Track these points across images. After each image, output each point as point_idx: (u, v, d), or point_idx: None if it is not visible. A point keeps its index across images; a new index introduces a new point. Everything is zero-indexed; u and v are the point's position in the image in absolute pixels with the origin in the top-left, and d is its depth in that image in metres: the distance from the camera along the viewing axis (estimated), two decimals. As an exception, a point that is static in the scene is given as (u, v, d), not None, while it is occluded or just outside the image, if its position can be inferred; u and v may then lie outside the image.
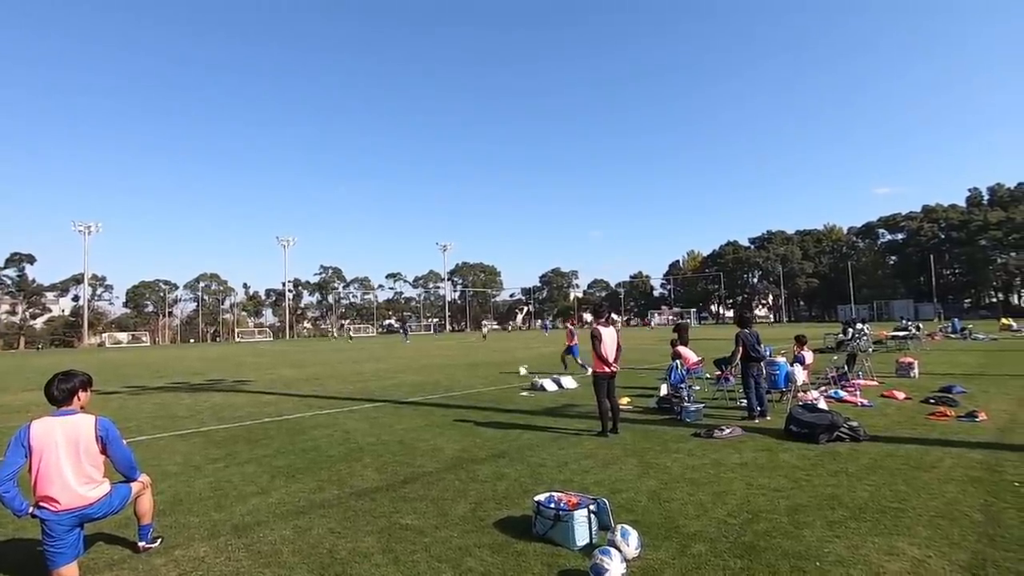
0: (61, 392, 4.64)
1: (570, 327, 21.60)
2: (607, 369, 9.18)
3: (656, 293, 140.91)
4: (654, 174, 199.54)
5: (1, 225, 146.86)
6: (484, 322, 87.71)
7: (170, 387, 19.52)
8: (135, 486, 5.04)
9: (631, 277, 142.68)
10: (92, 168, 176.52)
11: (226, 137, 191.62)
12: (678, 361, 13.92)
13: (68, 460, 4.45)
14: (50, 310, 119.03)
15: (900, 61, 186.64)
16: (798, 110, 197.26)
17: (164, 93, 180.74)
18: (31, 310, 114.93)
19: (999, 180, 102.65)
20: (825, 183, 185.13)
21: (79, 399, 4.73)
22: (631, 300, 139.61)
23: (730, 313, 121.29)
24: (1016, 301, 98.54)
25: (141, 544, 5.25)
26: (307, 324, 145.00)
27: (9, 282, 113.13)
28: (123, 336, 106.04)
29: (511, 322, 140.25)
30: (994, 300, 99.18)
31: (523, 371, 19.81)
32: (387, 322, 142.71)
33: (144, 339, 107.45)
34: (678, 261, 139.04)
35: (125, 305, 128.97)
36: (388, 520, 5.77)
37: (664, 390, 12.72)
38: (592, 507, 5.24)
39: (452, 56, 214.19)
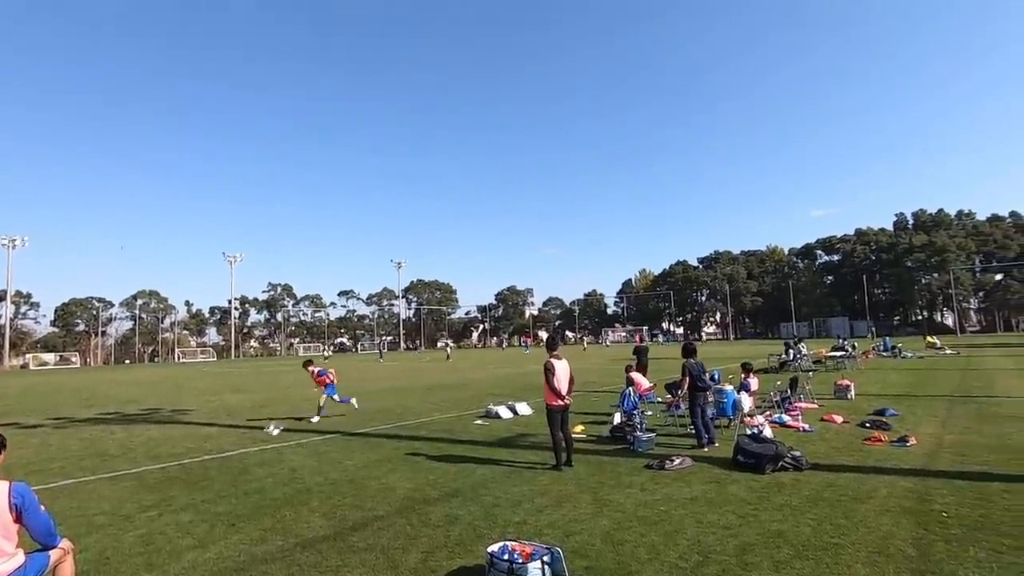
0: None
1: (327, 373, 16.04)
2: (559, 402, 9.06)
3: (610, 311, 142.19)
4: (606, 191, 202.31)
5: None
6: (448, 341, 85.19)
7: (101, 418, 17.85)
8: (54, 554, 4.49)
9: (585, 295, 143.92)
10: (17, 179, 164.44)
11: (168, 147, 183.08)
12: (631, 388, 13.90)
13: None
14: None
15: (829, 83, 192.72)
16: (742, 128, 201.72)
17: (98, 99, 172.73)
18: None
19: (922, 206, 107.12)
20: (767, 206, 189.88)
21: None
22: (585, 318, 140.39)
23: (681, 330, 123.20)
24: (939, 319, 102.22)
25: None
26: (254, 343, 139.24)
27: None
28: (50, 357, 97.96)
29: (492, 340, 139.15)
30: (920, 318, 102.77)
31: (273, 430, 13.35)
32: (339, 340, 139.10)
33: (74, 360, 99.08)
34: (631, 279, 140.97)
35: (53, 324, 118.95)
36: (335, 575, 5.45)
37: (617, 418, 12.61)
38: (546, 557, 5.05)
39: (407, 66, 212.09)
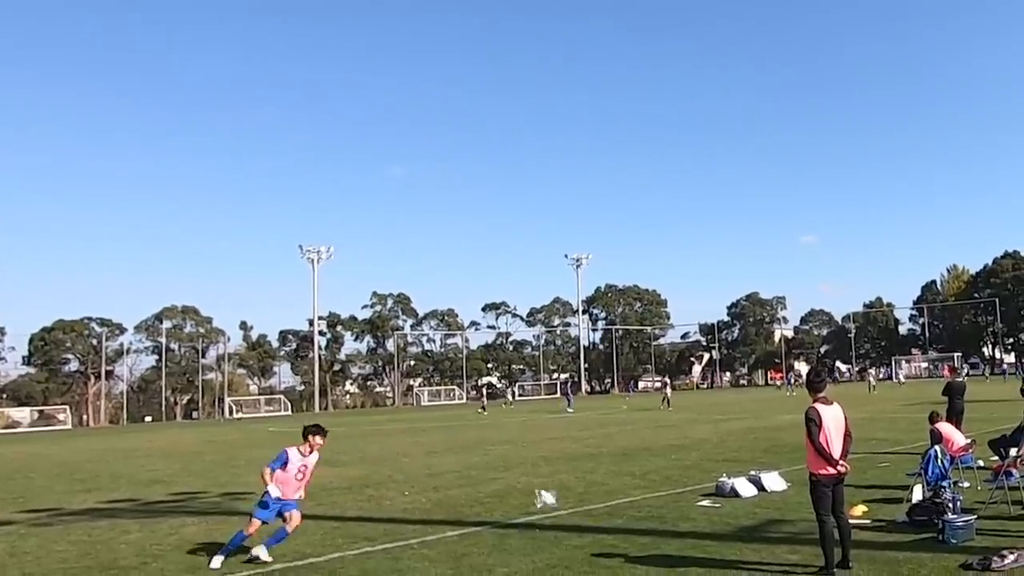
0: None
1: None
2: (830, 470, 8.95)
3: (903, 329, 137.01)
4: (896, 155, 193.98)
5: None
6: (664, 379, 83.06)
7: (106, 509, 17.11)
8: None
9: (866, 306, 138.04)
10: None
11: (194, 90, 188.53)
12: (938, 447, 13.49)
13: None
14: None
15: None
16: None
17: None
18: None
19: None
20: None
21: None
22: (866, 340, 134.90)
23: (1011, 357, 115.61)
24: None
25: None
26: (351, 386, 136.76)
27: None
28: (23, 414, 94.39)
29: (725, 376, 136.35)
30: None
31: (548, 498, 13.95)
32: (485, 380, 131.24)
33: (62, 418, 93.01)
34: (934, 282, 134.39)
35: (28, 361, 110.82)
36: None
37: (918, 493, 12.30)
38: None
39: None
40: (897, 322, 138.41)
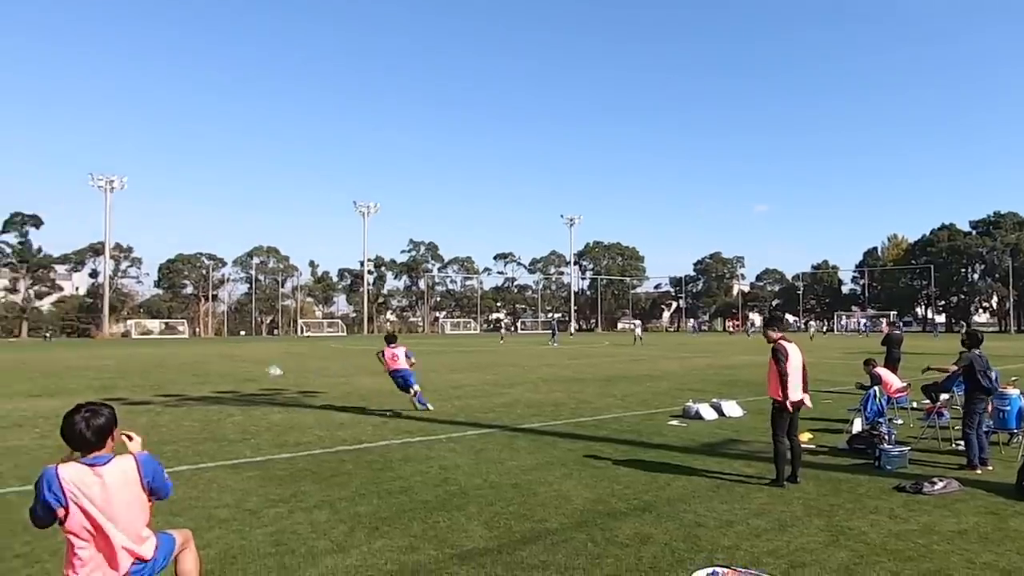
0: (96, 433, 4.09)
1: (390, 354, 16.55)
2: (793, 397, 8.83)
3: (845, 289, 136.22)
4: (843, 131, 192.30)
5: None
6: (635, 321, 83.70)
7: (216, 397, 19.27)
8: (177, 536, 4.59)
9: (813, 267, 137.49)
10: (116, 110, 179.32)
11: (283, 75, 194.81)
12: (877, 388, 13.23)
13: (118, 521, 4.05)
14: (61, 288, 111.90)
15: None
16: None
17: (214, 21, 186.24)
18: (37, 287, 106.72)
19: None
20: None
21: (111, 440, 4.21)
22: (812, 297, 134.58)
23: (941, 318, 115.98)
24: None
25: None
26: (391, 315, 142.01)
27: (9, 250, 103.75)
28: (154, 325, 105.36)
29: (689, 322, 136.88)
30: None
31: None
32: (495, 316, 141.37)
33: (181, 329, 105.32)
34: (875, 248, 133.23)
35: (157, 284, 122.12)
36: (503, 596, 5.46)
37: (858, 425, 12.10)
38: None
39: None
40: (840, 282, 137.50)
